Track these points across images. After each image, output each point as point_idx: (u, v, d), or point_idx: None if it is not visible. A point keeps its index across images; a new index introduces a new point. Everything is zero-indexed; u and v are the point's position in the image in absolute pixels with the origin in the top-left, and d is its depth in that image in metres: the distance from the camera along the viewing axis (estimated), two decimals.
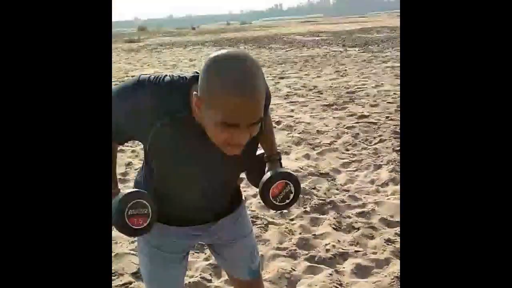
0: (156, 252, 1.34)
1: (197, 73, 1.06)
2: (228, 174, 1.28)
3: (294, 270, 2.33)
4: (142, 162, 1.36)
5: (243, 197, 1.49)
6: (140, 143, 1.16)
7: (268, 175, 1.35)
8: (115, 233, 2.77)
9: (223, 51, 0.95)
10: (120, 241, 2.70)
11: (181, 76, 1.07)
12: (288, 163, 3.82)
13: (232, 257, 1.46)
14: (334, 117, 5.36)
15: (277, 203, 1.34)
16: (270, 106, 4.89)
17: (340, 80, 7.90)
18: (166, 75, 1.08)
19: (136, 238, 1.40)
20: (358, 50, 12.67)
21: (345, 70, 9.09)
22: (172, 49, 16.05)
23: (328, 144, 4.34)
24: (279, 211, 2.64)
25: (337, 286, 2.16)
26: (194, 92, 0.99)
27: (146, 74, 1.10)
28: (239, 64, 0.92)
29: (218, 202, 1.36)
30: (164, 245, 1.34)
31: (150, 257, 1.36)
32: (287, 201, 1.34)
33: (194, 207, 1.31)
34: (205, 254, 2.52)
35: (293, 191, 1.34)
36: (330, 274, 2.25)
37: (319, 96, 6.67)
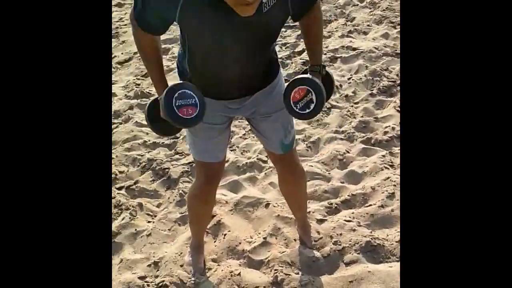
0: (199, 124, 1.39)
1: None
2: (255, 42, 1.27)
3: (348, 152, 2.33)
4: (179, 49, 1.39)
5: (280, 70, 1.48)
6: None
7: (292, 79, 1.31)
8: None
9: None
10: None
11: None
12: (364, 44, 3.60)
13: (266, 130, 1.49)
14: None
15: (297, 110, 1.31)
16: None
17: None
18: None
19: None
20: None
21: None
22: None
23: None
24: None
25: (388, 166, 2.14)
26: None
27: None
28: None
29: (252, 75, 1.37)
30: (206, 117, 1.34)
31: (194, 128, 1.42)
32: (307, 110, 1.30)
33: (230, 81, 1.36)
34: None
35: (314, 100, 1.28)
36: (383, 156, 2.22)
37: None
